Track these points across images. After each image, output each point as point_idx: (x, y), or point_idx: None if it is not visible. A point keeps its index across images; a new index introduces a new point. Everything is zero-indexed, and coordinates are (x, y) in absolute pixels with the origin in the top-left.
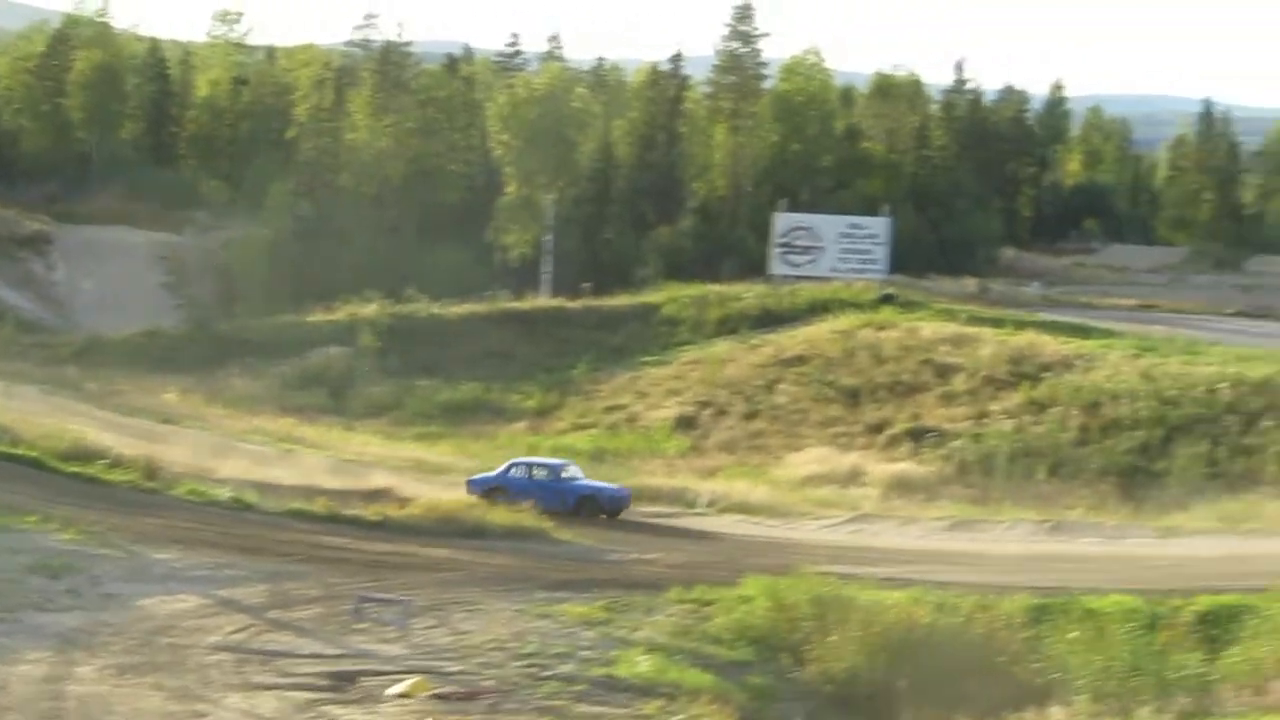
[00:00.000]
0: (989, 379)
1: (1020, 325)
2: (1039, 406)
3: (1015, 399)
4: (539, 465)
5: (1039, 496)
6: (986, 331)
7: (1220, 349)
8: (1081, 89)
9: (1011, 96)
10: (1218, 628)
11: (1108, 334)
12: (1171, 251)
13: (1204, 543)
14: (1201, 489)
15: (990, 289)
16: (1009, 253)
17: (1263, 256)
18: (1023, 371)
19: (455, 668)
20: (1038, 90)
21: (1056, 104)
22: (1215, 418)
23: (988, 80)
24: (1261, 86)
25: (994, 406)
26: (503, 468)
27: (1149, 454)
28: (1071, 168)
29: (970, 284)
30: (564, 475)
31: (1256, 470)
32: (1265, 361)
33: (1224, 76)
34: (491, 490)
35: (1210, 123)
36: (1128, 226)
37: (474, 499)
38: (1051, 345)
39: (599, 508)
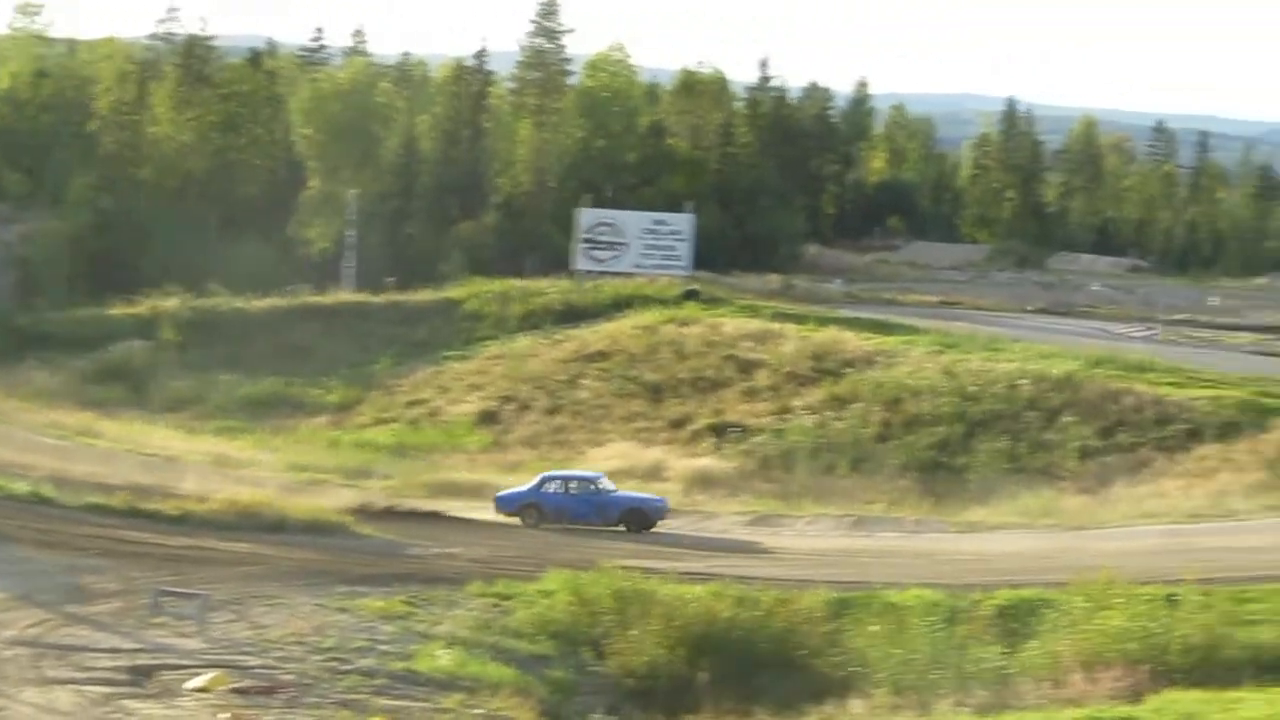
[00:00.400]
0: (791, 375)
1: (823, 322)
2: (841, 402)
3: (817, 395)
4: (575, 479)
5: (840, 491)
6: (789, 328)
7: (1021, 346)
8: (885, 87)
9: (816, 94)
10: (1017, 621)
11: (910, 330)
12: (974, 249)
13: (1004, 537)
14: (1002, 484)
15: (794, 285)
16: (813, 249)
17: (1064, 254)
18: (825, 368)
19: (255, 662)
20: (842, 88)
21: (860, 102)
22: (1016, 414)
23: (792, 78)
24: (1063, 85)
25: (796, 402)
26: (534, 483)
27: (950, 449)
28: (875, 165)
29: (774, 280)
30: (602, 487)
31: (1056, 466)
32: (1065, 358)
33: (1027, 75)
34: (525, 508)
35: (1013, 121)
36: (931, 224)
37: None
38: (854, 342)
39: (645, 519)
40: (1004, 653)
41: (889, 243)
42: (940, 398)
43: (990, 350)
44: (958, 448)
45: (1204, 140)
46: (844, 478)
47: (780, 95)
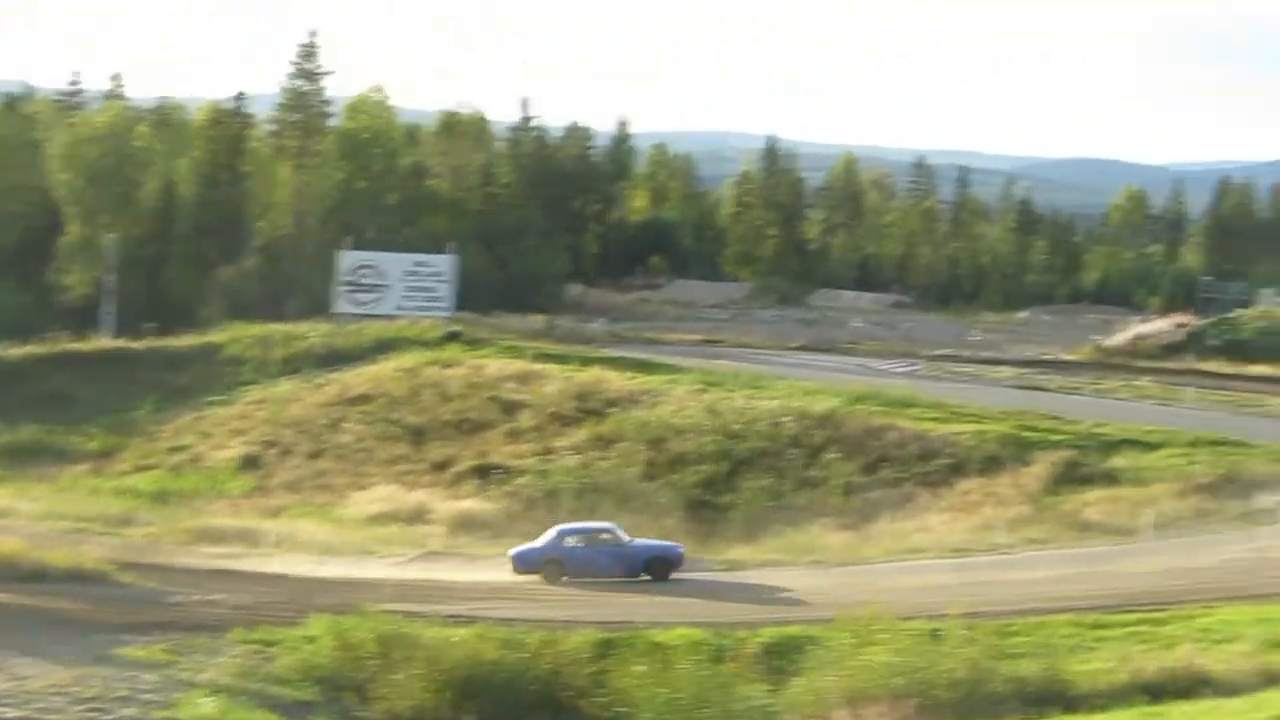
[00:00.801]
0: (555, 415)
1: (586, 362)
2: (605, 442)
3: (581, 435)
4: (595, 531)
5: None
6: (552, 368)
7: (784, 383)
8: (646, 126)
9: (576, 134)
10: (782, 659)
11: (673, 369)
12: (736, 287)
13: (769, 574)
14: (766, 521)
15: (556, 326)
16: (575, 289)
17: (826, 291)
18: (589, 407)
19: (14, 714)
20: (603, 128)
21: (621, 141)
22: (779, 451)
23: (553, 118)
24: (824, 123)
25: (560, 443)
26: (550, 538)
27: (715, 487)
28: (637, 204)
29: (537, 321)
30: (621, 538)
31: (819, 502)
32: (828, 395)
33: (787, 113)
34: (548, 564)
35: (774, 159)
36: (693, 262)
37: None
38: (617, 381)
39: (670, 566)
40: (770, 690)
41: (651, 281)
42: (704, 436)
43: (753, 388)
44: (722, 485)
45: (964, 176)
46: (609, 518)
47: (541, 135)
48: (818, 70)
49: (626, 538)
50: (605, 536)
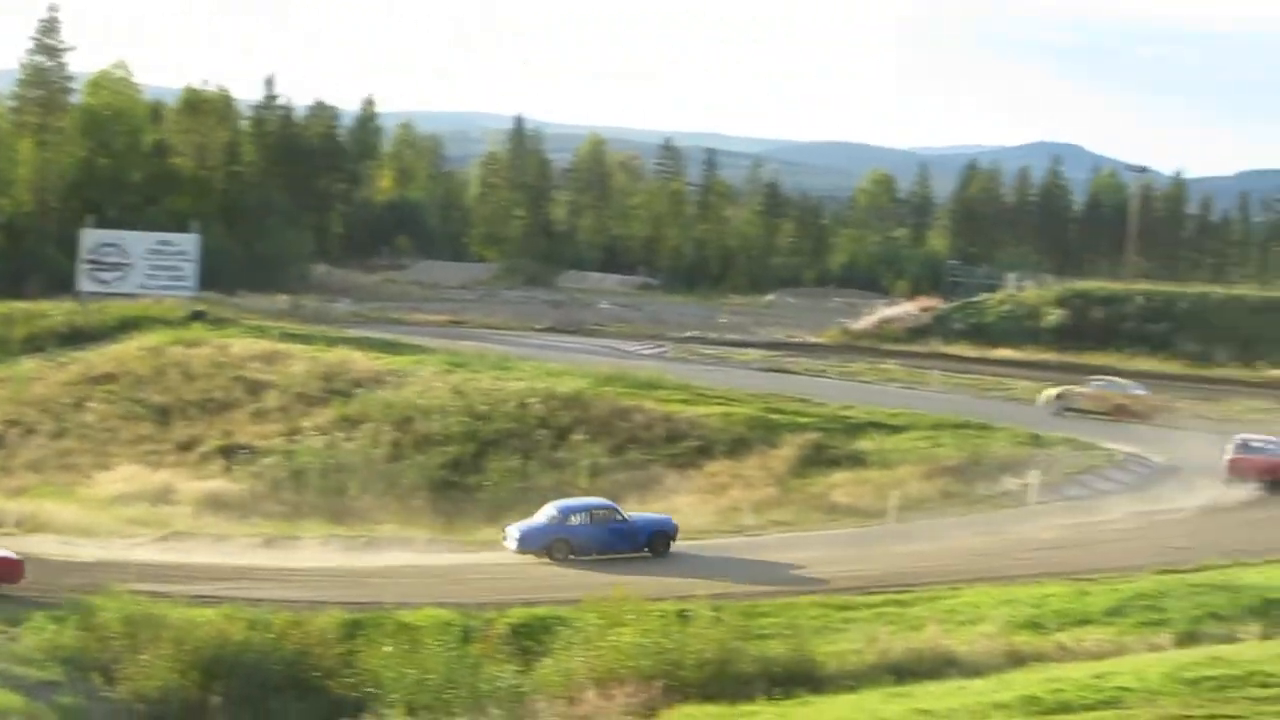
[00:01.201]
0: (301, 396)
1: (332, 342)
2: (351, 423)
3: (327, 415)
4: (597, 508)
5: (353, 512)
6: (298, 348)
7: (531, 364)
8: (393, 106)
9: (322, 113)
10: (531, 639)
11: (419, 350)
12: (483, 268)
13: (517, 555)
14: (514, 502)
15: (302, 306)
16: (321, 269)
17: (573, 272)
18: (335, 388)
19: None
20: (349, 107)
21: (367, 120)
22: (526, 432)
23: (299, 97)
24: (571, 104)
25: (306, 423)
26: (551, 516)
27: (461, 469)
28: (383, 184)
29: (282, 301)
30: (625, 514)
31: (568, 483)
32: (574, 377)
33: (535, 94)
34: (555, 543)
35: (521, 140)
36: (440, 243)
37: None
38: (363, 362)
39: (669, 540)
40: (519, 671)
41: (397, 262)
42: (450, 417)
43: (500, 369)
44: (469, 467)
45: (711, 158)
46: (356, 498)
47: (286, 114)
48: (564, 51)
49: (625, 513)
50: (605, 513)
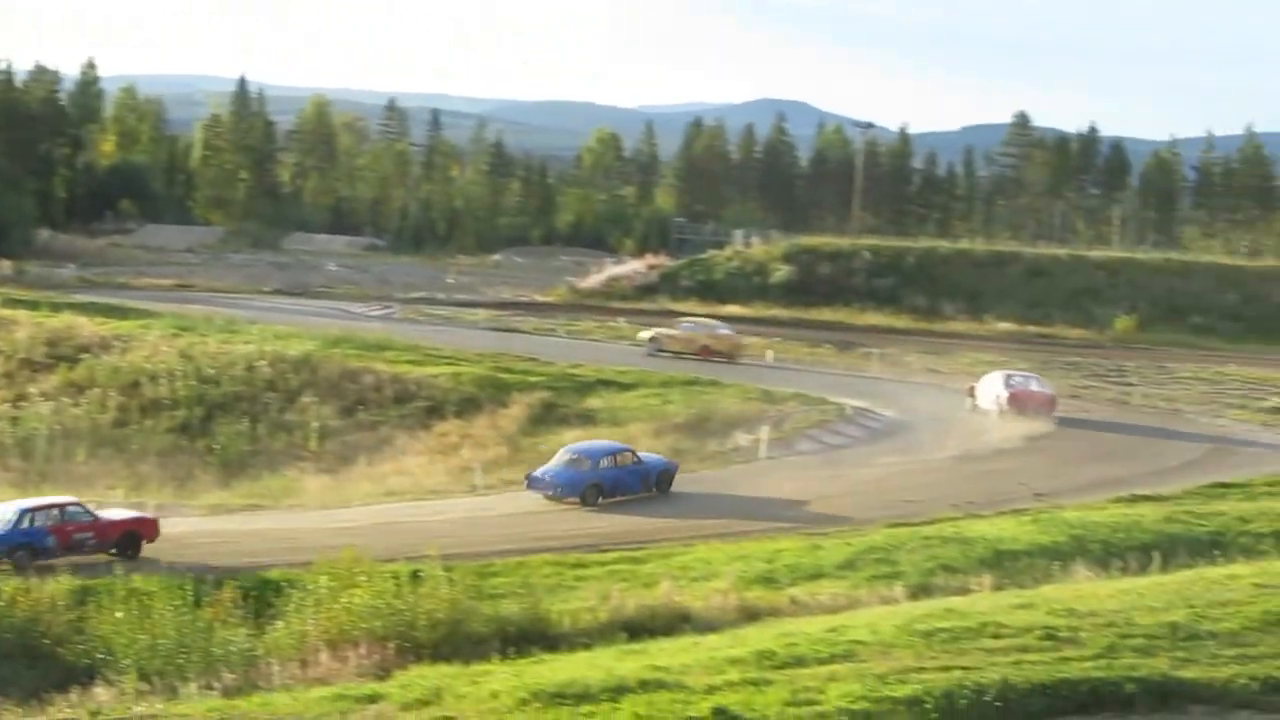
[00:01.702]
0: (26, 361)
1: (56, 308)
2: (78, 388)
3: (53, 381)
4: (619, 451)
5: (81, 478)
6: (22, 314)
7: (259, 327)
8: (115, 69)
9: (43, 76)
10: (263, 603)
11: (146, 314)
12: (209, 231)
13: (247, 519)
14: (244, 466)
15: (26, 271)
16: (44, 234)
17: (300, 234)
18: (60, 353)
19: None
20: (70, 71)
21: (89, 84)
22: (255, 395)
23: (19, 61)
24: (295, 66)
25: (32, 389)
26: (579, 461)
27: (190, 432)
28: (106, 148)
29: (5, 266)
30: (639, 455)
31: (297, 446)
32: (303, 339)
33: (259, 56)
34: (590, 488)
35: (244, 102)
36: (165, 207)
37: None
38: (89, 327)
39: (671, 479)
40: (251, 635)
41: (122, 226)
42: (178, 381)
43: (227, 333)
44: (198, 430)
45: (436, 118)
46: (84, 464)
47: (6, 78)
48: (288, 13)
49: (638, 455)
50: (627, 456)
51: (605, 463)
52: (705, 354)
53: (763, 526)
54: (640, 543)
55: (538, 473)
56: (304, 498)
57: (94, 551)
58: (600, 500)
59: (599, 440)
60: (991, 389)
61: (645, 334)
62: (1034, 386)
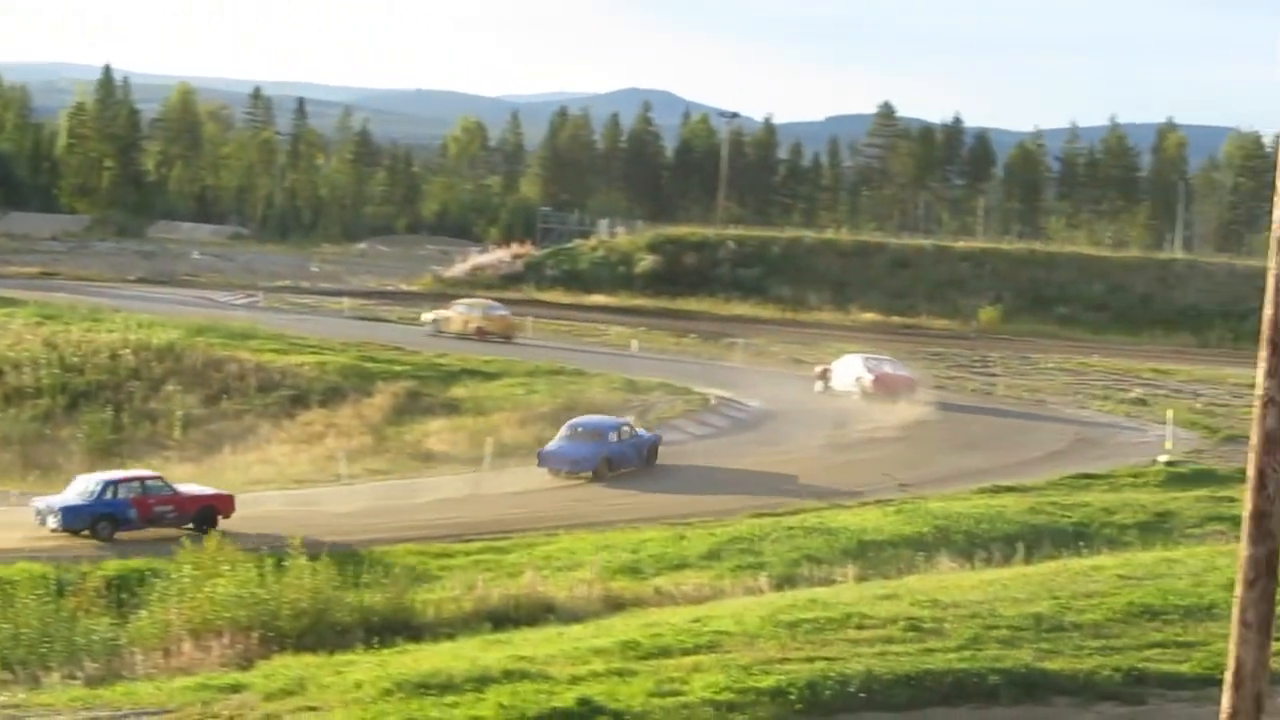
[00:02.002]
0: None
1: None
2: None
3: None
4: (624, 425)
5: None
6: None
7: (124, 316)
8: None
9: None
10: (126, 592)
11: (10, 302)
12: (74, 219)
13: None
14: (107, 454)
15: None
16: None
17: (165, 223)
18: None
19: None
20: None
21: None
22: (120, 384)
23: None
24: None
25: None
26: (584, 435)
27: (53, 421)
28: None
29: None
30: (636, 429)
31: (162, 435)
32: (167, 327)
33: (124, 44)
34: (604, 461)
35: (109, 90)
36: (29, 194)
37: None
38: None
39: (656, 450)
40: (114, 624)
41: None
42: (42, 369)
43: (92, 321)
44: (62, 419)
45: (301, 107)
46: None
47: None
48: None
49: (634, 428)
50: (629, 430)
51: (614, 436)
52: (480, 334)
53: (627, 516)
54: (504, 532)
55: (549, 449)
56: None
57: (173, 525)
58: (609, 474)
59: (603, 416)
60: (850, 372)
61: (428, 315)
62: (890, 369)
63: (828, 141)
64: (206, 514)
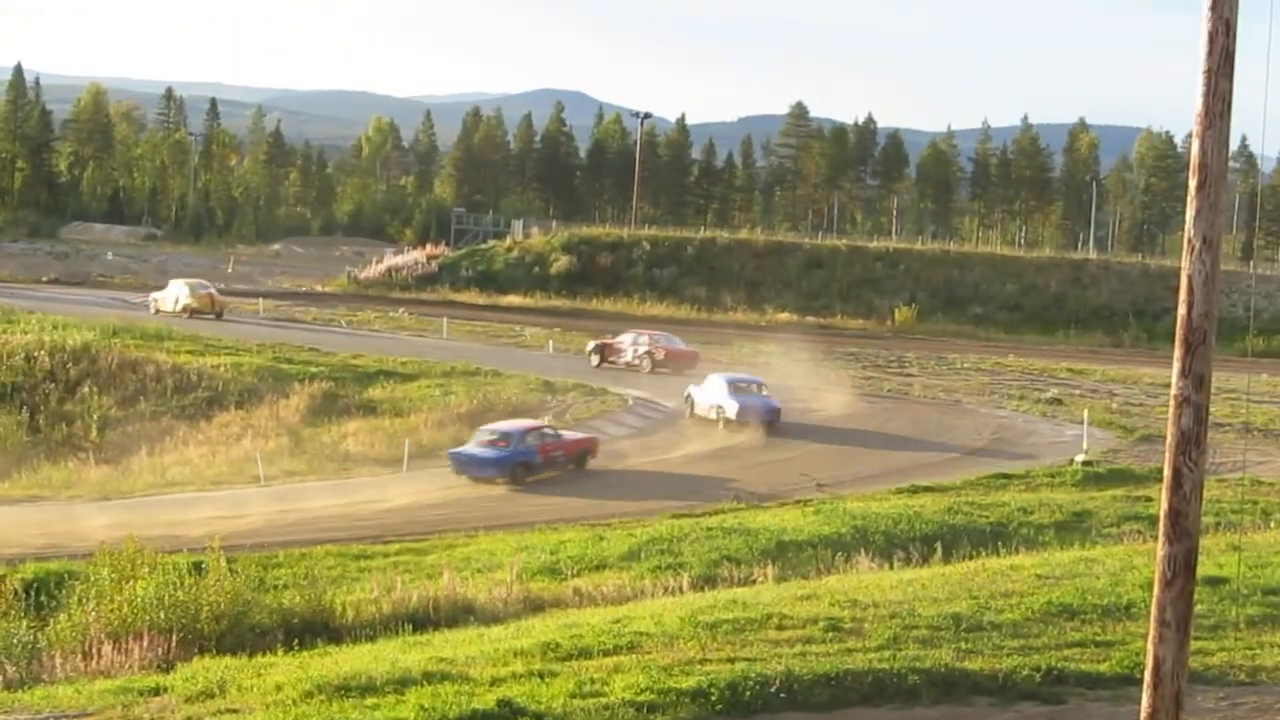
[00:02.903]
0: None
1: None
2: None
3: None
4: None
5: None
6: None
7: (38, 317)
8: None
9: None
10: (45, 594)
11: None
12: None
13: (27, 510)
14: (23, 456)
15: None
16: None
17: (78, 224)
18: None
19: None
20: None
21: None
22: (35, 386)
23: None
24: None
25: None
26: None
27: None
28: None
29: None
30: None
31: (78, 437)
32: (82, 328)
33: (33, 44)
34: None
35: (20, 90)
36: None
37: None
38: None
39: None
40: (32, 627)
41: None
42: None
43: (5, 323)
44: None
45: (214, 107)
46: None
47: None
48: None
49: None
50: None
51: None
52: (190, 313)
53: (546, 516)
54: (422, 534)
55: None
56: (83, 489)
57: (562, 467)
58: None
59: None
60: (712, 396)
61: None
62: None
63: (741, 141)
64: (582, 456)
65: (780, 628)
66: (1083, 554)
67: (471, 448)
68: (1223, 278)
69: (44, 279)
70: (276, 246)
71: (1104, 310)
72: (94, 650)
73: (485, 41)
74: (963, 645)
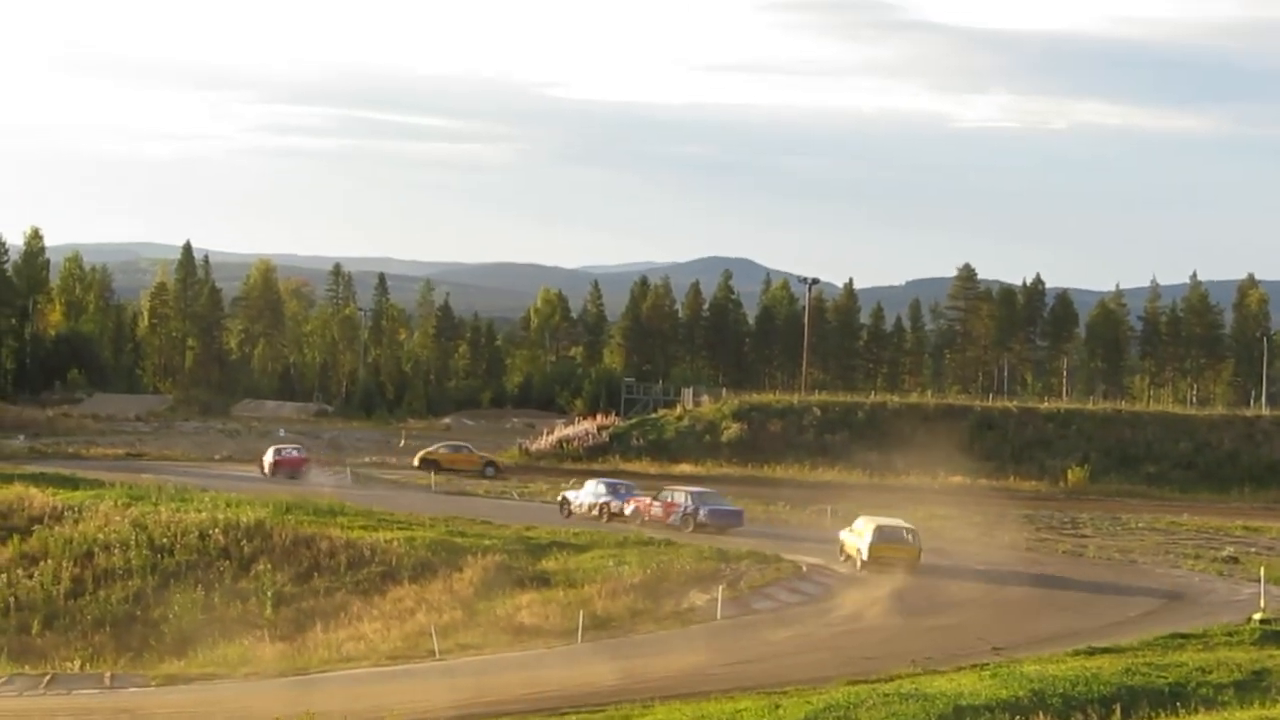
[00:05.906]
0: None
1: (7, 479)
2: (31, 559)
3: (6, 554)
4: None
5: (35, 650)
6: None
7: (211, 495)
8: (61, 238)
9: None
10: None
11: (97, 484)
12: (158, 399)
13: (204, 688)
14: (199, 634)
15: None
16: None
17: (249, 401)
18: (12, 525)
19: None
20: (15, 239)
21: (35, 254)
22: (209, 563)
23: None
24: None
25: None
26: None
27: (144, 602)
28: (54, 318)
29: None
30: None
31: (252, 614)
32: (255, 506)
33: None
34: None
35: (190, 269)
36: (113, 375)
37: None
38: (40, 498)
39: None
40: None
41: (71, 395)
42: (131, 550)
43: (179, 501)
44: (152, 600)
45: (382, 281)
46: (38, 636)
47: None
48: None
49: None
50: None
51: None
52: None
53: (722, 685)
54: (599, 705)
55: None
56: (260, 665)
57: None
58: None
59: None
60: (859, 538)
61: None
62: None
63: (909, 305)
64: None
65: None
66: (1263, 713)
67: None
68: None
69: (216, 457)
70: (447, 420)
71: (1278, 467)
72: None
73: (651, 213)
74: None
